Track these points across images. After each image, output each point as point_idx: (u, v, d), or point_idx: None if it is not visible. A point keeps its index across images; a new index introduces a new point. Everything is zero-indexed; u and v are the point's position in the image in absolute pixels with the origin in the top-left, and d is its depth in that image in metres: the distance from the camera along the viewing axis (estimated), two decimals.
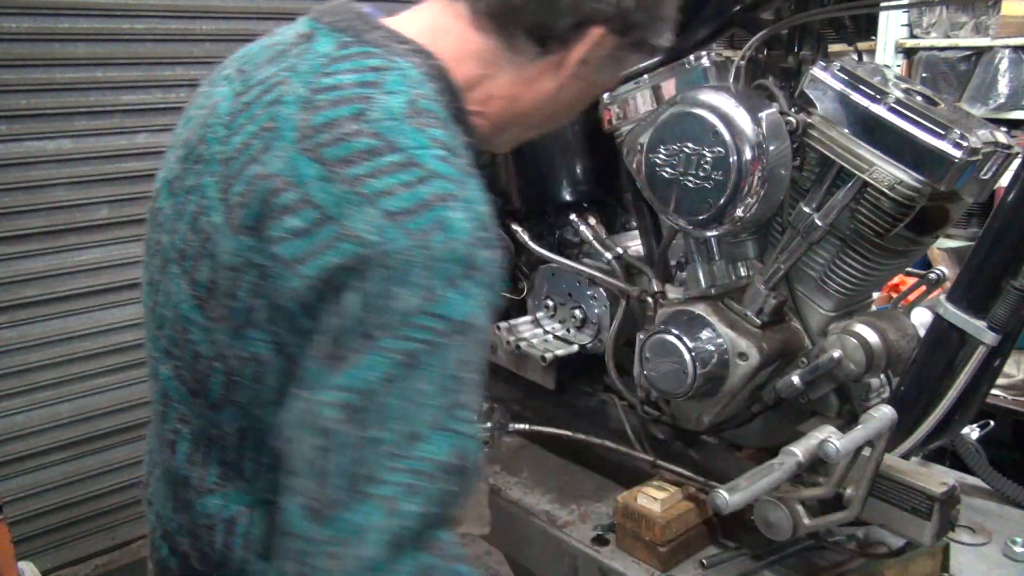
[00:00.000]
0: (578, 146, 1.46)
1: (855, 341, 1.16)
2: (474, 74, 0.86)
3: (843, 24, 1.26)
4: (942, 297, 1.14)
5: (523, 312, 1.63)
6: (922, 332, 1.19)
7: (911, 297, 1.32)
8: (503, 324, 1.57)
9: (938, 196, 1.09)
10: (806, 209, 1.17)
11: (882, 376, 1.25)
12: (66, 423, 2.53)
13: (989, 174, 1.11)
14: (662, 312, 1.32)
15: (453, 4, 0.85)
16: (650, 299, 1.37)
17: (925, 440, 1.16)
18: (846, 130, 1.11)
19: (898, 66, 3.35)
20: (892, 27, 3.36)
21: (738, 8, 1.25)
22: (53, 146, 2.41)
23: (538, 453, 1.60)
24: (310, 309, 0.73)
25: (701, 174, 1.15)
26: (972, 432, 1.44)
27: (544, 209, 1.58)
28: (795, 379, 1.20)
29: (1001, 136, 1.12)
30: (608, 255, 1.45)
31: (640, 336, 1.30)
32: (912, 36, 3.40)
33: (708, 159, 1.14)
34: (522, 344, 1.51)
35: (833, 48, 1.30)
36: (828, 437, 1.01)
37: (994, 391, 1.55)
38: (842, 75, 1.12)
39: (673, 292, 1.36)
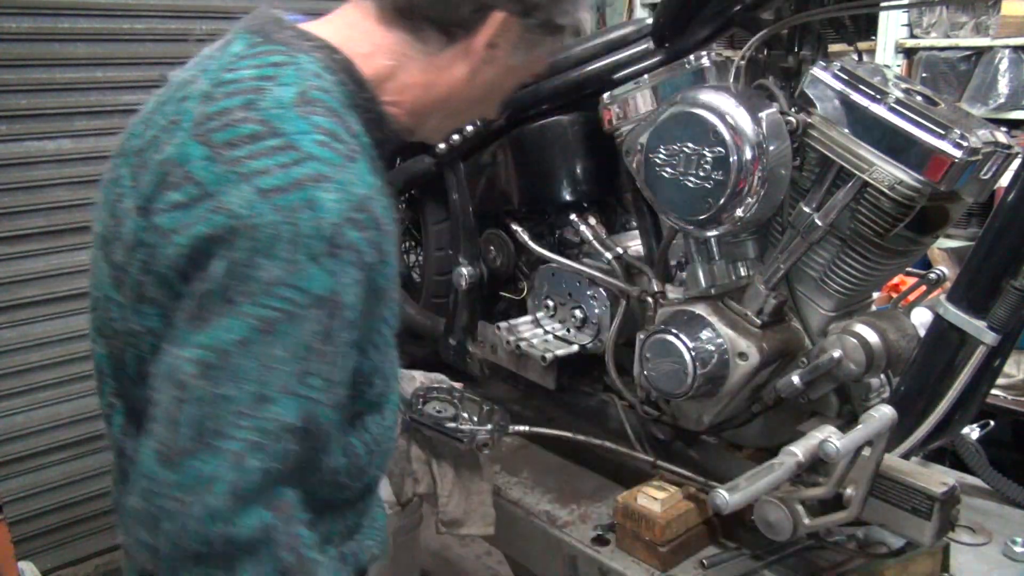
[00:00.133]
0: (578, 146, 1.46)
1: (855, 341, 1.16)
2: (385, 67, 0.91)
3: (843, 24, 1.26)
4: (942, 297, 1.13)
5: (523, 312, 1.63)
6: (922, 332, 1.19)
7: (911, 297, 1.32)
8: (503, 324, 1.57)
9: (938, 196, 1.09)
10: (806, 209, 1.17)
11: (882, 376, 1.25)
12: (66, 423, 2.53)
13: (989, 174, 1.11)
14: (662, 312, 1.32)
15: (363, 3, 0.91)
16: (650, 299, 1.37)
17: (925, 440, 1.16)
18: (846, 130, 1.11)
19: (898, 66, 3.35)
20: (892, 27, 3.35)
21: (738, 8, 1.25)
22: (53, 146, 2.41)
23: (538, 453, 1.60)
24: (184, 276, 0.78)
25: (701, 174, 1.15)
26: (972, 432, 1.44)
27: (544, 209, 1.58)
28: (795, 379, 1.20)
29: (1001, 136, 1.12)
30: (608, 255, 1.45)
31: (640, 336, 1.30)
32: (912, 36, 3.40)
33: (708, 159, 1.14)
34: (522, 344, 1.51)
35: (833, 48, 1.30)
36: (828, 437, 1.01)
37: (994, 391, 1.55)
38: (842, 75, 1.12)
39: (673, 292, 1.36)
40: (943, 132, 1.05)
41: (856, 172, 1.11)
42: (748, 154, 1.11)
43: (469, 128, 1.56)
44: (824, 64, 1.15)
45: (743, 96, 1.14)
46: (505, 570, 2.11)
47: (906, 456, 1.15)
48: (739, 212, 1.14)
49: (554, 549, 1.35)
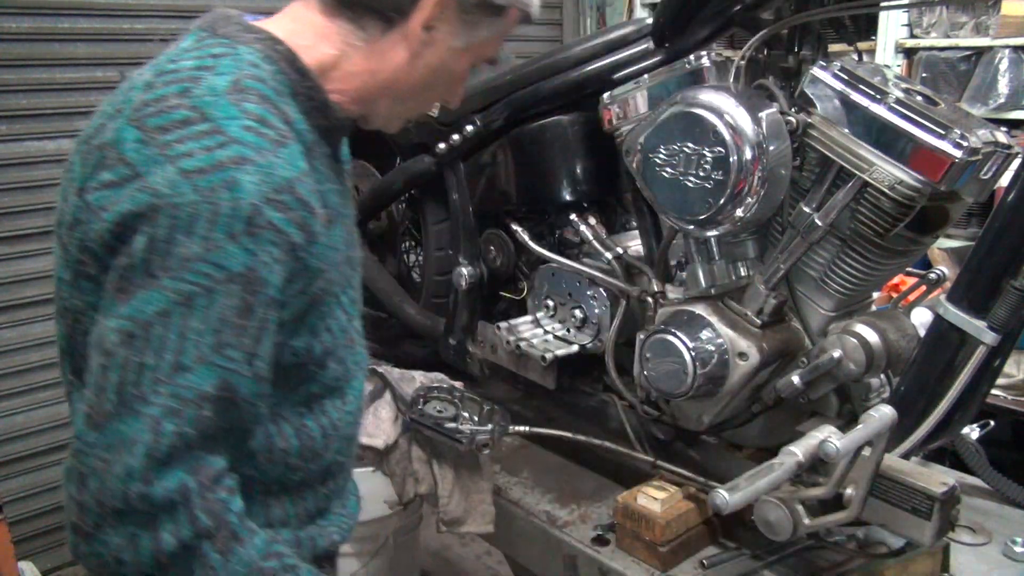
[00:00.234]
0: (578, 146, 1.46)
1: (855, 341, 1.16)
2: (328, 56, 0.95)
3: (843, 24, 1.26)
4: (942, 297, 1.13)
5: (523, 312, 1.63)
6: (922, 332, 1.19)
7: (911, 297, 1.32)
8: (503, 324, 1.57)
9: (938, 196, 1.09)
10: (806, 209, 1.17)
11: (882, 376, 1.25)
12: (66, 423, 2.53)
13: (989, 174, 1.11)
14: (662, 312, 1.32)
15: None
16: (650, 299, 1.37)
17: (925, 440, 1.15)
18: (846, 130, 1.11)
19: (898, 66, 3.34)
20: (892, 27, 3.35)
21: (738, 8, 1.25)
22: (53, 146, 2.41)
23: (538, 453, 1.60)
24: (111, 250, 0.84)
25: (701, 174, 1.15)
26: (972, 432, 1.44)
27: (544, 209, 1.58)
28: (795, 379, 1.20)
29: (1001, 136, 1.12)
30: (608, 255, 1.45)
31: (640, 336, 1.30)
32: (912, 36, 3.39)
33: (708, 159, 1.14)
34: (522, 344, 1.51)
35: (833, 48, 1.30)
36: (828, 437, 1.01)
37: (994, 391, 1.55)
38: (842, 75, 1.12)
39: (673, 292, 1.36)
40: (943, 132, 1.05)
41: (856, 172, 1.11)
42: (748, 154, 1.11)
43: (469, 128, 1.56)
44: (824, 64, 1.15)
45: (743, 96, 1.14)
46: (505, 570, 2.11)
47: (906, 456, 1.15)
48: (739, 212, 1.14)
49: (554, 549, 1.35)
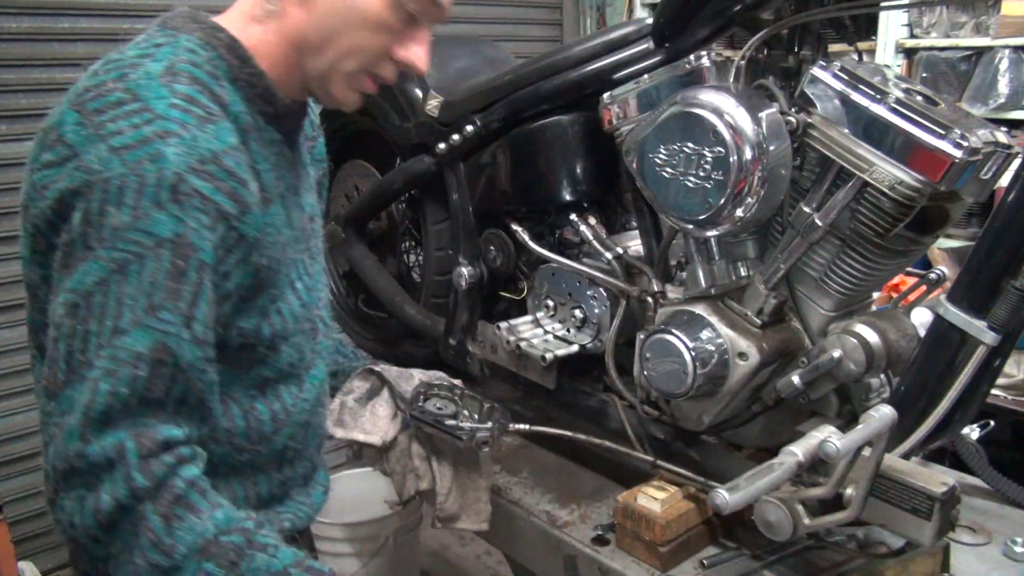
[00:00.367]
0: (578, 146, 1.46)
1: (855, 341, 1.16)
2: (257, 36, 1.00)
3: (843, 24, 1.26)
4: (942, 297, 1.13)
5: (523, 312, 1.63)
6: (922, 332, 1.19)
7: (911, 297, 1.32)
8: (503, 324, 1.57)
9: (938, 196, 1.09)
10: (806, 209, 1.17)
11: (882, 376, 1.25)
12: None
13: (989, 174, 1.11)
14: (662, 312, 1.32)
15: None
16: (650, 299, 1.37)
17: (925, 440, 1.15)
18: (846, 130, 1.11)
19: (898, 66, 3.34)
20: (892, 27, 3.35)
21: (738, 8, 1.25)
22: None
23: (538, 453, 1.60)
24: (54, 228, 0.90)
25: (701, 174, 1.15)
26: (972, 432, 1.44)
27: (544, 209, 1.58)
28: (795, 379, 1.20)
29: (1001, 136, 1.12)
30: (608, 255, 1.45)
31: (640, 336, 1.30)
32: (912, 36, 3.40)
33: (708, 159, 1.14)
34: (522, 344, 1.51)
35: (833, 48, 1.30)
36: (828, 437, 1.01)
37: (994, 391, 1.55)
38: (842, 75, 1.12)
39: (673, 292, 1.36)
40: (943, 132, 1.05)
41: (856, 172, 1.11)
42: (748, 154, 1.11)
43: (469, 128, 1.56)
44: (824, 64, 1.15)
45: (743, 96, 1.14)
46: (505, 570, 2.11)
47: (906, 456, 1.15)
48: (739, 212, 1.14)
49: (554, 549, 1.35)
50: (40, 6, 2.39)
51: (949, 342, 1.12)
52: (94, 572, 0.98)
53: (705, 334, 1.22)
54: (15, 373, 2.47)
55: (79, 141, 0.87)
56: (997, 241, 1.07)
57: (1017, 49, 3.09)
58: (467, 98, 1.59)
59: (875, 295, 1.36)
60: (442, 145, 1.61)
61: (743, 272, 1.27)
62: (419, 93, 1.67)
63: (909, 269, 1.54)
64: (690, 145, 1.15)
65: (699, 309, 1.25)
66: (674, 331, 1.22)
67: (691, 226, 1.20)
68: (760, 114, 1.12)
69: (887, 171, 1.08)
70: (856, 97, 1.11)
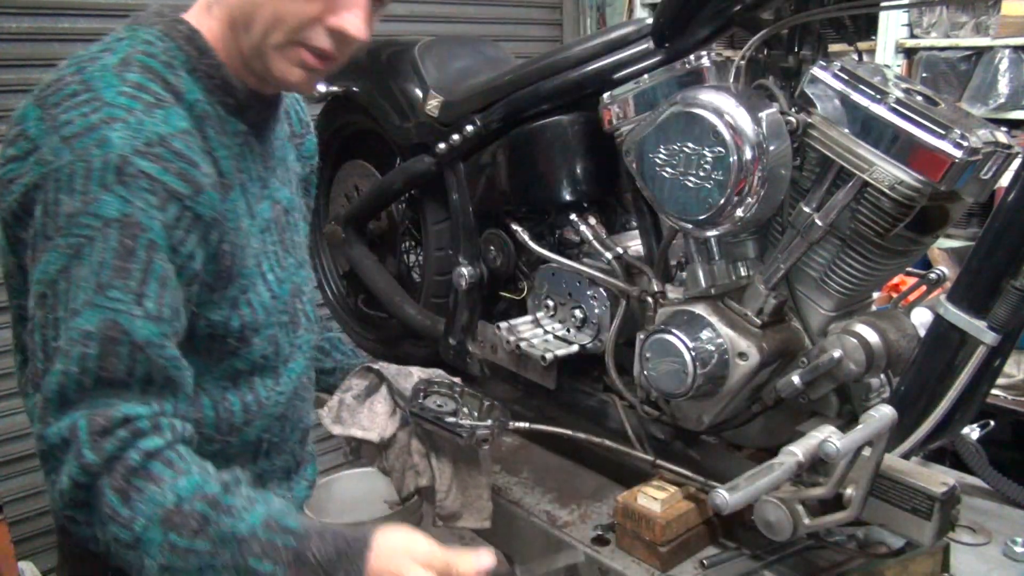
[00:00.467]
0: (578, 146, 1.46)
1: (855, 341, 1.16)
2: (209, 24, 1.02)
3: (843, 24, 1.26)
4: (942, 297, 1.13)
5: (523, 312, 1.63)
6: (922, 332, 1.19)
7: (911, 297, 1.32)
8: (503, 324, 1.57)
9: (938, 196, 1.09)
10: (806, 209, 1.17)
11: (882, 376, 1.25)
12: None
13: (989, 174, 1.11)
14: (662, 312, 1.32)
15: None
16: (650, 299, 1.37)
17: (925, 440, 1.15)
18: (846, 130, 1.11)
19: (898, 66, 3.34)
20: (892, 27, 3.35)
21: (738, 8, 1.25)
22: None
23: (538, 453, 1.60)
24: (21, 222, 0.92)
25: (701, 174, 1.15)
26: (972, 432, 1.44)
27: (544, 209, 1.58)
28: (795, 379, 1.20)
29: (1001, 136, 1.12)
30: (608, 255, 1.45)
31: (640, 336, 1.30)
32: (912, 36, 3.40)
33: (708, 159, 1.14)
34: (522, 344, 1.51)
35: (833, 48, 1.30)
36: (828, 437, 1.01)
37: (994, 391, 1.55)
38: (842, 75, 1.12)
39: (673, 292, 1.36)
40: (943, 132, 1.05)
41: (856, 172, 1.11)
42: (748, 154, 1.11)
43: (469, 128, 1.56)
44: (824, 64, 1.15)
45: (743, 96, 1.14)
46: (505, 570, 2.11)
47: (906, 456, 1.15)
48: (739, 212, 1.14)
49: (554, 549, 1.35)
50: (40, 6, 2.39)
51: (949, 342, 1.12)
52: (83, 559, 1.00)
53: (705, 334, 1.22)
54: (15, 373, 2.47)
55: (39, 135, 0.90)
56: (997, 241, 1.07)
57: (1017, 49, 3.09)
58: (467, 98, 1.59)
59: (875, 295, 1.36)
60: (442, 145, 1.61)
61: (743, 272, 1.27)
62: (419, 93, 1.67)
63: (909, 269, 1.54)
64: (690, 145, 1.15)
65: (699, 309, 1.25)
66: (674, 331, 1.22)
67: (691, 226, 1.20)
68: (760, 114, 1.12)
69: (887, 171, 1.08)
70: (856, 97, 1.11)
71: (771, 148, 1.11)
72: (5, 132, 0.94)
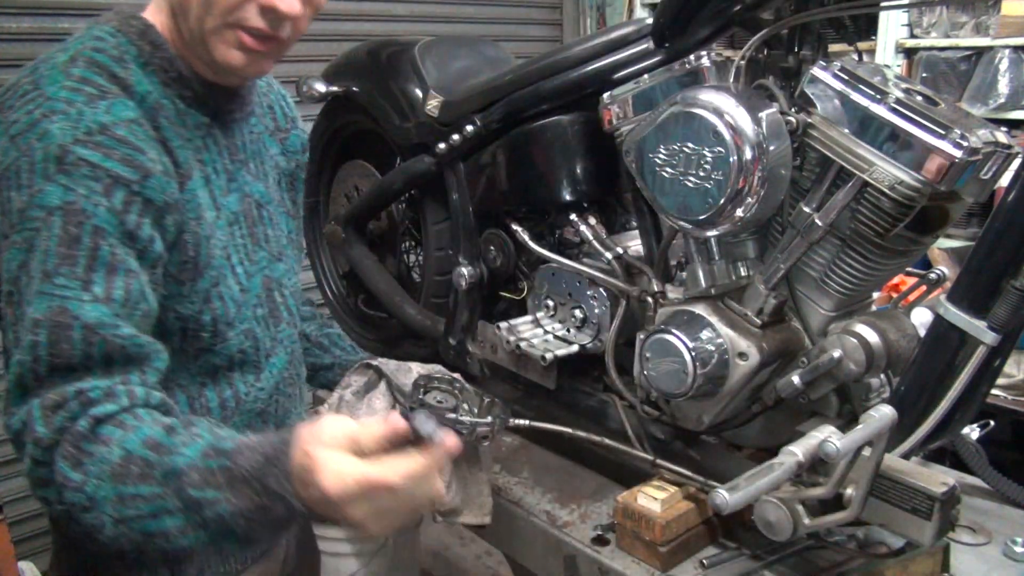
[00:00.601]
0: (578, 146, 1.46)
1: (855, 341, 1.16)
2: (160, 18, 1.04)
3: (843, 24, 1.26)
4: (942, 297, 1.13)
5: (523, 312, 1.63)
6: (922, 332, 1.19)
7: (911, 297, 1.32)
8: (503, 324, 1.57)
9: (938, 196, 1.09)
10: (806, 209, 1.17)
11: (882, 376, 1.25)
12: None
13: (989, 174, 1.11)
14: (662, 312, 1.32)
15: None
16: (650, 299, 1.37)
17: (925, 440, 1.15)
18: (846, 130, 1.11)
19: (898, 66, 3.35)
20: (892, 27, 3.35)
21: (738, 8, 1.25)
22: None
23: (538, 453, 1.60)
24: None
25: (701, 174, 1.15)
26: (972, 432, 1.44)
27: (544, 209, 1.58)
28: (795, 379, 1.20)
29: (1001, 136, 1.12)
30: (608, 255, 1.45)
31: (640, 336, 1.30)
32: (912, 36, 3.40)
33: (708, 159, 1.14)
34: (522, 344, 1.51)
35: (833, 48, 1.30)
36: (828, 437, 1.01)
37: (994, 391, 1.55)
38: (842, 75, 1.12)
39: (673, 292, 1.36)
40: (943, 132, 1.05)
41: (856, 172, 1.11)
42: (748, 154, 1.11)
43: (469, 128, 1.56)
44: (824, 64, 1.15)
45: (743, 96, 1.14)
46: (505, 570, 2.11)
47: (906, 456, 1.15)
48: (739, 212, 1.14)
49: (554, 549, 1.35)
50: (40, 6, 2.40)
51: (949, 342, 1.12)
52: (76, 549, 1.02)
53: (705, 334, 1.22)
54: None
55: None
56: (997, 241, 1.07)
57: (1017, 49, 3.10)
58: (467, 98, 1.59)
59: (875, 295, 1.36)
60: (442, 145, 1.61)
61: (743, 272, 1.27)
62: (419, 93, 1.67)
63: (909, 269, 1.54)
64: (690, 145, 1.15)
65: (699, 309, 1.25)
66: (674, 331, 1.22)
67: (691, 226, 1.20)
68: (760, 114, 1.12)
69: (887, 171, 1.08)
70: (856, 97, 1.11)
71: (771, 148, 1.11)
72: None
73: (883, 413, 1.02)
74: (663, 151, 1.19)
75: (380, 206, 1.88)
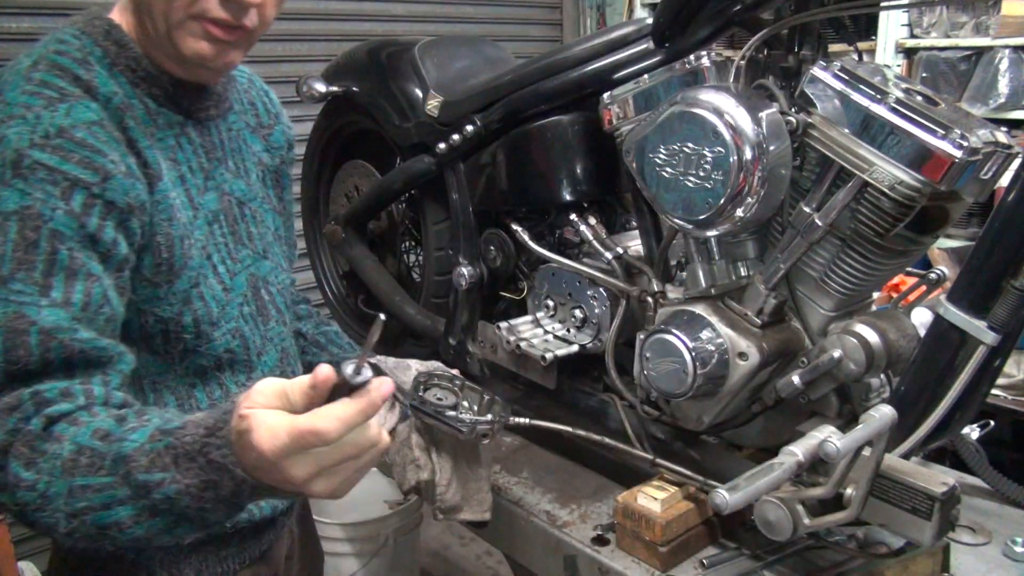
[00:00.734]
0: (578, 146, 1.46)
1: (855, 341, 1.16)
2: (126, 18, 1.03)
3: (843, 24, 1.26)
4: (942, 297, 1.13)
5: (523, 312, 1.63)
6: (922, 332, 1.19)
7: (911, 297, 1.32)
8: (503, 324, 1.57)
9: (938, 196, 1.09)
10: (806, 209, 1.17)
11: (882, 376, 1.25)
12: None
13: (989, 174, 1.11)
14: (662, 312, 1.32)
15: None
16: (650, 299, 1.37)
17: (925, 440, 1.15)
18: (846, 130, 1.11)
19: (898, 66, 3.35)
20: (892, 27, 3.35)
21: (738, 8, 1.25)
22: None
23: (538, 453, 1.60)
24: None
25: (701, 174, 1.15)
26: (972, 432, 1.44)
27: (544, 209, 1.58)
28: (795, 379, 1.20)
29: (1001, 136, 1.12)
30: (608, 255, 1.45)
31: (640, 336, 1.30)
32: (912, 36, 3.40)
33: (708, 159, 1.14)
34: (522, 344, 1.51)
35: (833, 48, 1.30)
36: (828, 437, 1.01)
37: (994, 391, 1.55)
38: (842, 75, 1.12)
39: (673, 292, 1.36)
40: (943, 132, 1.05)
41: (856, 172, 1.11)
42: (748, 154, 1.11)
43: (469, 128, 1.56)
44: (824, 64, 1.15)
45: (743, 96, 1.14)
46: (505, 570, 2.11)
47: (906, 456, 1.15)
48: (739, 212, 1.14)
49: (554, 549, 1.35)
50: (40, 6, 2.39)
51: (949, 342, 1.12)
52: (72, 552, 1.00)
53: (705, 334, 1.22)
54: None
55: None
56: (997, 241, 1.07)
57: (1017, 49, 3.10)
58: (467, 98, 1.59)
59: (875, 295, 1.36)
60: (442, 145, 1.61)
61: (743, 272, 1.27)
62: (419, 93, 1.67)
63: (909, 269, 1.54)
64: (690, 145, 1.15)
65: (699, 309, 1.25)
66: (674, 331, 1.22)
67: (691, 226, 1.20)
68: (760, 114, 1.12)
69: (887, 171, 1.08)
70: (856, 97, 1.11)
71: (771, 148, 1.11)
72: None
73: (883, 413, 1.02)
74: (663, 151, 1.19)
75: (380, 206, 1.88)
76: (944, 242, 2.69)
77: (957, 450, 1.41)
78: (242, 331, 1.10)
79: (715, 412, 1.28)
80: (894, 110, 1.08)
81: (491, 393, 1.31)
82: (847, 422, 1.24)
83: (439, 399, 1.26)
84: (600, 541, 1.31)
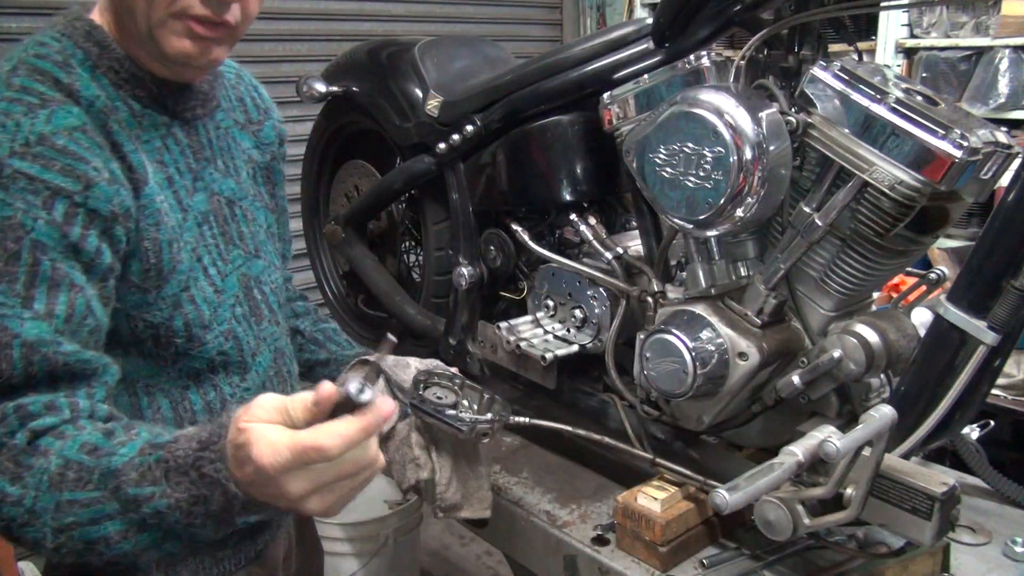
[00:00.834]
0: (578, 146, 1.46)
1: (855, 341, 1.16)
2: (107, 18, 1.01)
3: (843, 24, 1.26)
4: (942, 297, 1.13)
5: (523, 312, 1.63)
6: (922, 332, 1.19)
7: (911, 297, 1.32)
8: (503, 324, 1.57)
9: (938, 196, 1.09)
10: (806, 209, 1.17)
11: (882, 376, 1.25)
12: None
13: (989, 174, 1.11)
14: (662, 312, 1.32)
15: None
16: (650, 299, 1.37)
17: (925, 440, 1.15)
18: (846, 130, 1.11)
19: (898, 66, 3.35)
20: (892, 27, 3.36)
21: (738, 8, 1.25)
22: None
23: (538, 453, 1.60)
24: None
25: (701, 174, 1.15)
26: (972, 432, 1.44)
27: (544, 209, 1.58)
28: (795, 379, 1.20)
29: (1001, 136, 1.12)
30: (608, 255, 1.45)
31: (640, 336, 1.30)
32: (912, 36, 3.40)
33: (708, 159, 1.14)
34: (522, 344, 1.51)
35: (833, 48, 1.30)
36: (828, 437, 1.01)
37: (994, 391, 1.55)
38: (842, 75, 1.12)
39: (673, 292, 1.36)
40: (943, 132, 1.05)
41: (856, 172, 1.11)
42: (748, 154, 1.11)
43: (469, 128, 1.56)
44: (824, 64, 1.15)
45: (743, 96, 1.14)
46: (505, 570, 2.11)
47: (906, 456, 1.15)
48: (739, 212, 1.14)
49: (554, 549, 1.35)
50: (40, 6, 2.40)
51: (949, 342, 1.12)
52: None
53: (705, 334, 1.22)
54: None
55: None
56: (997, 241, 1.07)
57: (1017, 49, 3.10)
58: (467, 98, 1.59)
59: (875, 295, 1.36)
60: (442, 145, 1.61)
61: (743, 272, 1.27)
62: (419, 93, 1.67)
63: (909, 269, 1.54)
64: (690, 145, 1.15)
65: (699, 309, 1.25)
66: (674, 331, 1.22)
67: (691, 226, 1.20)
68: (760, 114, 1.12)
69: (887, 171, 1.08)
70: (856, 97, 1.11)
71: (771, 148, 1.11)
72: None
73: (883, 413, 1.02)
74: (663, 151, 1.19)
75: (380, 206, 1.88)
76: (944, 242, 2.69)
77: (957, 450, 1.41)
78: (235, 332, 1.09)
79: (715, 412, 1.28)
80: (894, 110, 1.08)
81: (491, 392, 1.31)
82: (847, 422, 1.24)
83: (439, 398, 1.26)
84: (600, 541, 1.31)
